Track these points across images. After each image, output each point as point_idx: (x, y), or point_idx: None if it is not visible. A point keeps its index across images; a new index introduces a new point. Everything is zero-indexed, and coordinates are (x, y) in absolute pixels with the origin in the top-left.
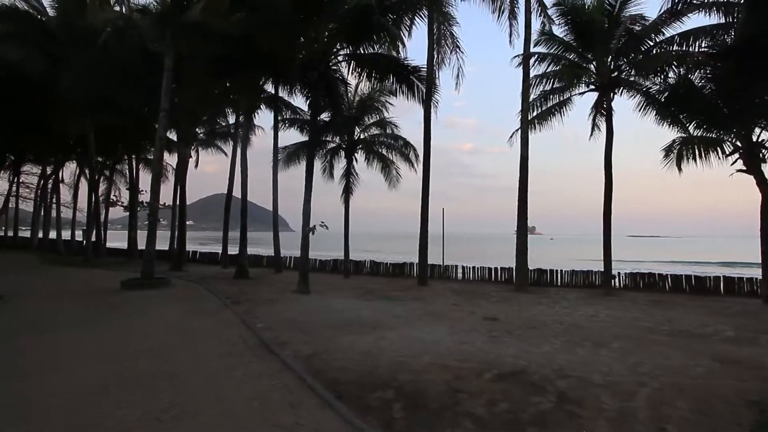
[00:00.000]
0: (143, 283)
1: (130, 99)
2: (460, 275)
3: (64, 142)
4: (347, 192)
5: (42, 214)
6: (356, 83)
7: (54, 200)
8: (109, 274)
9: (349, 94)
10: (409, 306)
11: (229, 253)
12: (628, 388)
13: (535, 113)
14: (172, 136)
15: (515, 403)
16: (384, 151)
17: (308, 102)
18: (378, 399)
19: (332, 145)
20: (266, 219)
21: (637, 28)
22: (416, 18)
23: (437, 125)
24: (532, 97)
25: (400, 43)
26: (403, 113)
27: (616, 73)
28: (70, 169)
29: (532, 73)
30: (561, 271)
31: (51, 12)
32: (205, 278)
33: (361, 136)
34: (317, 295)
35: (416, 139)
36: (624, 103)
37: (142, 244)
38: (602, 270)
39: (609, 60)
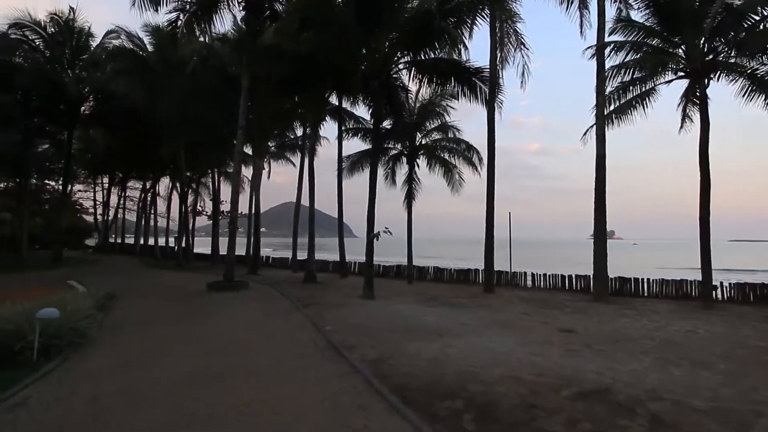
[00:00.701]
0: (225, 286)
1: (213, 119)
2: (529, 283)
3: (159, 160)
4: (409, 198)
5: (143, 223)
6: (417, 89)
7: (152, 211)
8: (196, 276)
9: (410, 101)
10: (475, 314)
11: (298, 258)
12: (740, 417)
13: (612, 107)
14: (248, 150)
15: (599, 424)
16: (446, 156)
17: (370, 111)
18: (447, 408)
19: (394, 151)
20: (331, 225)
21: (738, 1)
22: (477, 18)
23: (501, 126)
24: (608, 89)
25: (461, 46)
26: (465, 116)
27: (711, 56)
28: (164, 184)
29: (608, 63)
30: (648, 280)
31: (150, 48)
32: (278, 282)
33: (423, 142)
34: (382, 300)
35: (479, 142)
36: (721, 90)
37: (223, 250)
38: (699, 279)
39: (702, 42)
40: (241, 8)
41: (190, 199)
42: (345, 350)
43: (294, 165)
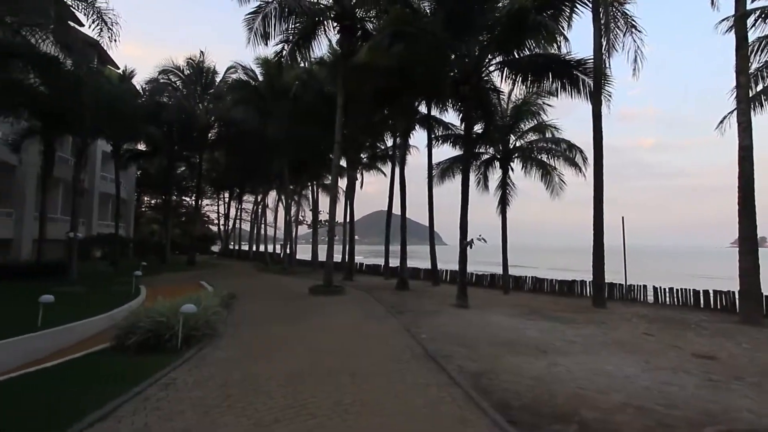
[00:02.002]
0: (325, 290)
1: (312, 136)
2: (650, 298)
3: (268, 176)
4: (503, 203)
5: (255, 231)
6: (510, 90)
7: (262, 221)
8: (299, 280)
9: (502, 103)
10: (584, 330)
11: (390, 265)
12: None
13: (759, 87)
14: (343, 162)
15: None
16: (544, 158)
17: (460, 116)
18: None
19: (486, 156)
20: (420, 233)
21: None
22: (577, 5)
23: (607, 120)
24: (753, 66)
25: (560, 38)
26: (563, 113)
27: None
28: (272, 197)
29: (751, 36)
30: None
31: (260, 77)
32: (371, 288)
33: (517, 144)
34: (476, 310)
35: (584, 140)
36: None
37: (322, 256)
38: None
39: None
40: (336, 32)
41: (293, 209)
42: (442, 360)
43: (384, 174)
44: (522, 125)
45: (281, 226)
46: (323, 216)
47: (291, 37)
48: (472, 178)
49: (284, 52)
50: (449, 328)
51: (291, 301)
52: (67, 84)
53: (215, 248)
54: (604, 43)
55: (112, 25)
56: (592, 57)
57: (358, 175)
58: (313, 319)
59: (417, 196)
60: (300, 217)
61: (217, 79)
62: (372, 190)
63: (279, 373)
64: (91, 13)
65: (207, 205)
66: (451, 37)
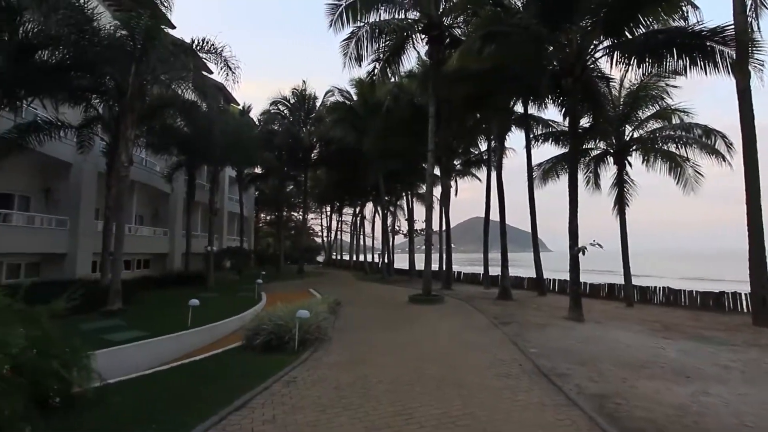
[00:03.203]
0: (424, 299)
1: (405, 147)
2: None
3: (365, 189)
4: (621, 203)
5: (354, 242)
6: (622, 75)
7: (361, 232)
8: (397, 289)
9: (613, 91)
10: (745, 354)
11: (489, 274)
12: None
13: None
14: (436, 170)
15: None
16: (671, 148)
17: (563, 111)
18: None
19: (596, 152)
20: (520, 239)
21: None
22: None
23: (759, 95)
24: None
25: (685, 6)
26: (691, 94)
27: None
28: (369, 208)
29: None
30: None
31: (355, 97)
32: (471, 297)
33: (635, 135)
34: (594, 324)
35: (723, 123)
36: None
37: (419, 265)
38: None
39: None
40: (424, 43)
41: (389, 219)
42: (556, 378)
43: (480, 180)
44: (639, 113)
45: (378, 236)
46: (419, 225)
47: (381, 56)
48: (581, 177)
49: (376, 71)
50: (562, 343)
51: (391, 309)
52: (203, 123)
53: (319, 258)
54: (749, 2)
55: (234, 70)
56: (732, 22)
57: (452, 183)
58: (413, 327)
59: (516, 200)
60: (396, 226)
61: (317, 104)
62: (467, 197)
63: (386, 378)
64: (219, 61)
65: (312, 218)
66: (548, 29)
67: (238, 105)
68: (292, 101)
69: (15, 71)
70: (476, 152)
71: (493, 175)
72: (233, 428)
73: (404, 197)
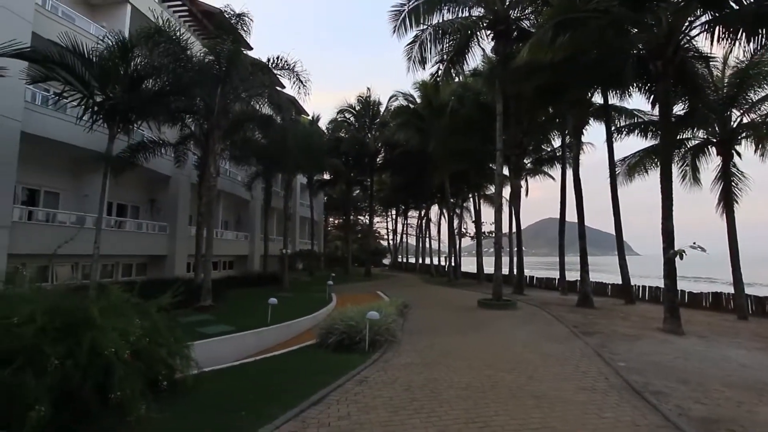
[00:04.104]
0: (494, 304)
1: (471, 148)
2: None
3: (430, 191)
4: (727, 199)
5: (420, 244)
6: (725, 53)
7: (426, 234)
8: (465, 292)
9: (714, 71)
10: None
11: (566, 278)
12: None
13: None
14: (505, 170)
15: None
16: None
17: (651, 99)
18: None
19: (694, 142)
20: (601, 242)
21: None
22: None
23: None
24: None
25: None
26: None
27: None
28: (434, 211)
29: None
30: None
31: (418, 100)
32: (546, 303)
33: (743, 120)
34: (697, 338)
35: None
36: None
37: (487, 268)
38: None
39: None
40: (490, 39)
41: (456, 222)
42: (651, 396)
43: (553, 179)
44: (750, 95)
45: (444, 238)
46: (487, 227)
47: (445, 56)
48: (675, 171)
49: (439, 72)
50: (657, 358)
51: (460, 312)
52: (278, 135)
53: (385, 261)
54: None
55: (305, 83)
56: None
57: (523, 182)
58: (484, 332)
59: (594, 199)
60: (462, 228)
61: (382, 109)
62: (538, 197)
63: (457, 383)
64: (291, 76)
65: (378, 222)
66: (631, 10)
67: (308, 115)
68: (357, 108)
69: (128, 100)
70: (549, 149)
71: (569, 172)
72: (312, 421)
73: (471, 199)
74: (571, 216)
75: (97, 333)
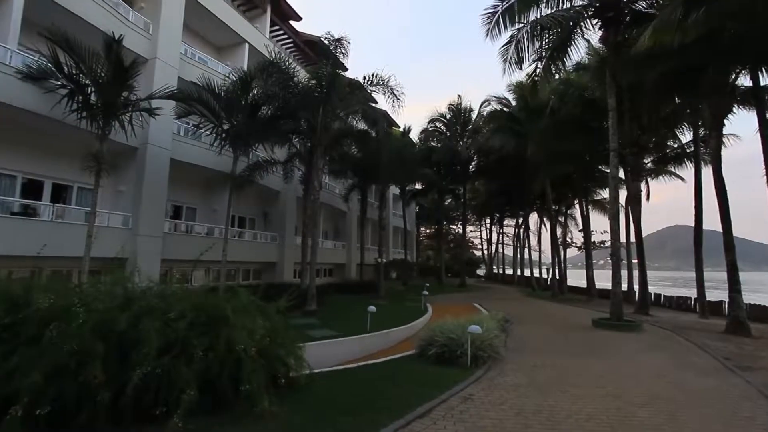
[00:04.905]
0: (613, 324)
1: (575, 149)
2: None
3: (528, 198)
4: None
5: (518, 255)
6: None
7: (525, 244)
8: (574, 309)
9: None
10: None
11: (707, 298)
12: None
13: None
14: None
15: None
16: None
17: None
18: None
19: None
20: (750, 254)
21: None
22: None
23: None
24: None
25: None
26: None
27: None
28: (533, 219)
29: None
30: None
31: (513, 102)
32: (680, 327)
33: None
34: None
35: None
36: None
37: (599, 283)
38: None
39: None
40: (597, 28)
41: (559, 231)
42: None
43: (682, 179)
44: None
45: (545, 248)
46: (596, 236)
47: (544, 53)
48: None
49: (538, 70)
50: None
51: (571, 332)
52: (372, 148)
53: (480, 272)
54: None
55: (399, 96)
56: None
57: (643, 185)
58: (604, 357)
59: (740, 203)
60: (567, 238)
61: (473, 116)
62: (661, 201)
63: (577, 413)
64: (385, 91)
65: (471, 231)
66: None
67: (399, 127)
68: (448, 116)
69: (249, 126)
70: (675, 145)
71: (706, 171)
72: None
73: (576, 205)
74: (709, 223)
75: (231, 330)
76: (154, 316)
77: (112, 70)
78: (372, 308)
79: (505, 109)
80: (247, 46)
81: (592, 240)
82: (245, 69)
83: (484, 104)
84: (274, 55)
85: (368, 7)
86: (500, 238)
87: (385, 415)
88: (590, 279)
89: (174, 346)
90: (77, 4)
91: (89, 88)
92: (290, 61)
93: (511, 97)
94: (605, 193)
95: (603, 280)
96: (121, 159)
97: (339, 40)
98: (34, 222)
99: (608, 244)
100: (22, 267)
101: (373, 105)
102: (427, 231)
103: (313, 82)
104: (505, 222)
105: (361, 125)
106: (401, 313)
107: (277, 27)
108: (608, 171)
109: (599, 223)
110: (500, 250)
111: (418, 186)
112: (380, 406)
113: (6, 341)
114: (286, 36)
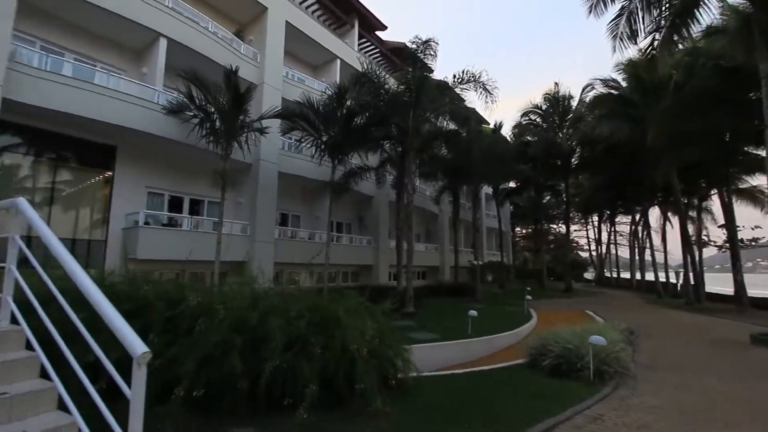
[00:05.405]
0: None
1: (708, 129)
2: None
3: (645, 191)
4: None
5: (635, 256)
6: None
7: (645, 244)
8: (719, 321)
9: None
10: None
11: None
12: None
13: None
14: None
15: None
16: None
17: None
18: None
19: None
20: None
21: None
22: None
23: None
24: None
25: None
26: None
27: None
28: (654, 214)
29: None
30: None
31: (623, 83)
32: None
33: None
34: None
35: None
36: None
37: (751, 290)
38: None
39: None
40: None
41: (691, 228)
42: None
43: None
44: None
45: (672, 248)
46: (744, 233)
47: (663, 22)
48: None
49: (655, 43)
50: None
51: (719, 348)
52: (463, 147)
53: (588, 275)
54: None
55: (492, 91)
56: None
57: None
58: None
59: None
60: (702, 236)
61: (573, 104)
62: None
63: None
64: (477, 87)
65: (575, 230)
66: None
67: (488, 124)
68: (543, 107)
69: (345, 136)
70: None
71: None
72: None
73: (713, 196)
74: None
75: (344, 331)
76: (278, 314)
77: (231, 97)
78: (473, 312)
79: (613, 92)
80: (338, 61)
81: (741, 237)
82: (338, 83)
83: (587, 89)
84: (365, 67)
85: (448, 8)
86: (612, 237)
87: (501, 426)
88: (739, 284)
89: (295, 343)
90: (202, 44)
91: (214, 115)
92: (379, 70)
93: (620, 78)
94: (754, 181)
95: (754, 286)
96: (240, 175)
97: (427, 42)
98: (178, 231)
99: (763, 240)
100: (169, 270)
101: (459, 104)
102: (524, 231)
103: (402, 87)
104: (617, 219)
105: (451, 125)
106: (501, 318)
107: (364, 39)
108: (760, 153)
109: (748, 216)
110: (612, 250)
111: (512, 184)
112: (495, 418)
113: (168, 331)
114: (372, 46)
